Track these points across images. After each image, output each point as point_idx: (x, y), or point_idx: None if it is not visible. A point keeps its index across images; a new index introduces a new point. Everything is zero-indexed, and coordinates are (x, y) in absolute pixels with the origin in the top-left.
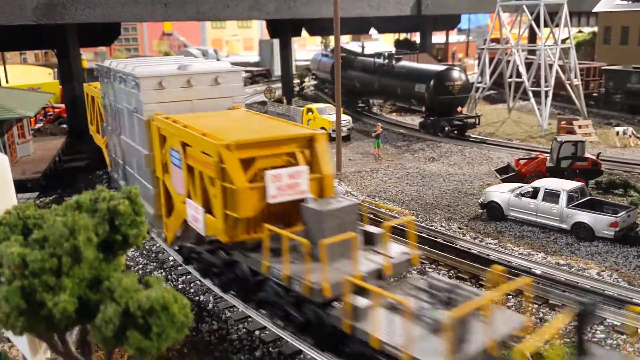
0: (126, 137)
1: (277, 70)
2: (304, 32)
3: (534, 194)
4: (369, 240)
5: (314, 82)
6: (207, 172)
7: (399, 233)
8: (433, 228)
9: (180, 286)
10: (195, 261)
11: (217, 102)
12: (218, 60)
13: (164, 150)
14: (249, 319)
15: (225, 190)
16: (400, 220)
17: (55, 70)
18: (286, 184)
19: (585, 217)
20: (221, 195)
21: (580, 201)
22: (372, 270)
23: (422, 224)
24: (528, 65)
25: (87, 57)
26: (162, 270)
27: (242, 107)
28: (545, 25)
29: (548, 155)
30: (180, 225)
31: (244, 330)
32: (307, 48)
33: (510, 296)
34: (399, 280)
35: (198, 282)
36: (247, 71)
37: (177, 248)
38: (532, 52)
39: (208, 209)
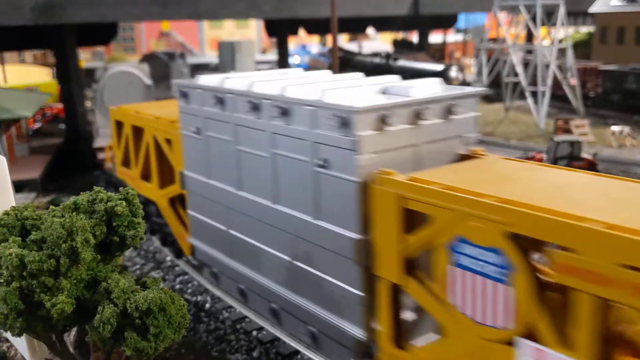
0: (277, 204)
1: None
2: (301, 32)
3: None
4: None
5: None
6: None
7: None
8: None
9: (177, 286)
10: None
11: (447, 146)
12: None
13: (417, 239)
14: (246, 319)
15: None
16: None
17: (54, 69)
18: None
19: None
20: None
21: None
22: None
23: None
24: (526, 65)
25: (84, 57)
26: (159, 270)
27: (476, 148)
28: (543, 25)
29: (545, 155)
30: None
31: (242, 330)
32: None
33: None
34: None
35: (195, 282)
36: None
37: None
38: (530, 51)
39: None
